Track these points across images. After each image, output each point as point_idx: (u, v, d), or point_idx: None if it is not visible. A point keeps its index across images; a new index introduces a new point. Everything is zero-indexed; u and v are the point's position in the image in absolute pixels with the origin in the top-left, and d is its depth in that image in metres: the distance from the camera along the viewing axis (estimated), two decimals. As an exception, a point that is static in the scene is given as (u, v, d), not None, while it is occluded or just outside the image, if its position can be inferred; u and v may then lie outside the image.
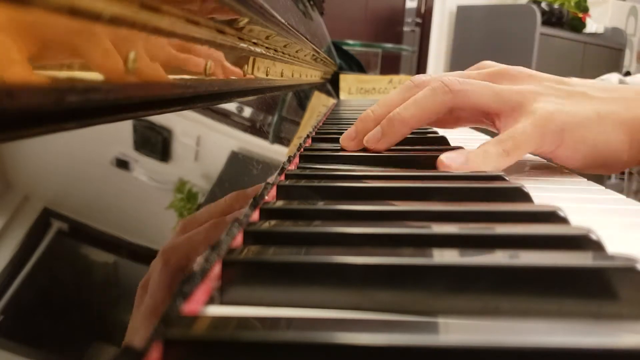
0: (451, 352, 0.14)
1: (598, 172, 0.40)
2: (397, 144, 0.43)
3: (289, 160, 0.39)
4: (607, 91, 0.40)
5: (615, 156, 0.38)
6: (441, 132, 0.60)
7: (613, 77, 0.83)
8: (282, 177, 0.34)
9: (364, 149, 0.43)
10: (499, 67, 0.43)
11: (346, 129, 0.44)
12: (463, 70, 0.46)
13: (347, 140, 0.44)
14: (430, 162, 0.38)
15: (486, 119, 0.43)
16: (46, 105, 0.14)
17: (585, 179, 0.39)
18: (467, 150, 0.38)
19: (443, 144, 0.50)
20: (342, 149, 0.44)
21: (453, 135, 0.57)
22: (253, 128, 0.38)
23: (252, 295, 0.18)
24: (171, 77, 0.22)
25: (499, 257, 0.19)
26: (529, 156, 0.48)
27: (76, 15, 0.14)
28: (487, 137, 0.59)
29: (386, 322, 0.16)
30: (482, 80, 0.41)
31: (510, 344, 0.14)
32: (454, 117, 0.45)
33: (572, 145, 0.37)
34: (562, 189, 0.36)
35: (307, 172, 0.36)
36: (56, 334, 0.13)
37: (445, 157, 0.36)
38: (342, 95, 1.38)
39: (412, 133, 0.58)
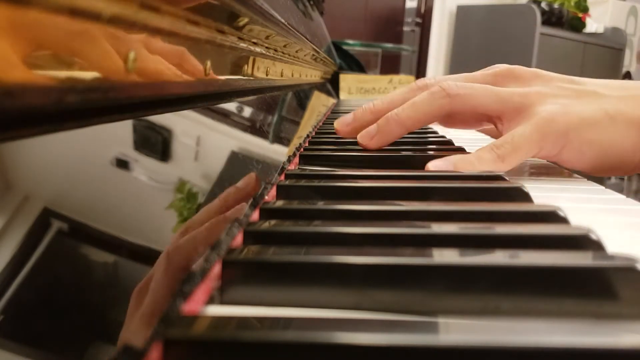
0: (451, 352, 0.14)
1: (609, 174, 0.39)
2: (397, 145, 0.43)
3: (289, 160, 0.39)
4: (620, 89, 0.38)
5: (625, 158, 0.36)
6: (444, 131, 0.60)
7: None
8: (282, 177, 0.34)
9: (363, 155, 0.43)
10: (504, 68, 0.42)
11: None
12: (465, 70, 0.45)
13: (342, 124, 0.44)
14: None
15: (489, 122, 0.42)
16: (46, 105, 0.14)
17: (585, 179, 0.39)
18: (458, 156, 0.37)
19: (444, 144, 0.50)
20: (341, 151, 0.44)
21: (457, 134, 0.57)
22: (253, 128, 0.38)
23: (252, 295, 0.18)
24: (171, 76, 0.22)
25: (499, 257, 0.19)
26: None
27: (76, 15, 0.14)
28: (493, 139, 0.59)
29: (386, 322, 0.16)
30: (486, 82, 0.40)
31: (510, 344, 0.14)
32: (457, 119, 0.45)
33: (577, 147, 0.36)
34: (562, 189, 0.36)
35: (307, 172, 0.36)
36: (56, 334, 0.13)
37: (432, 165, 0.36)
38: (342, 95, 1.37)
39: (414, 133, 0.58)
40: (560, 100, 0.37)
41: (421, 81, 0.43)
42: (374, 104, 0.43)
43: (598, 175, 0.39)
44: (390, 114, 0.41)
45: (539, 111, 0.36)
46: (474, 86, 0.39)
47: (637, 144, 0.36)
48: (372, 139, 0.41)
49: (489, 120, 0.41)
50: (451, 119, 0.45)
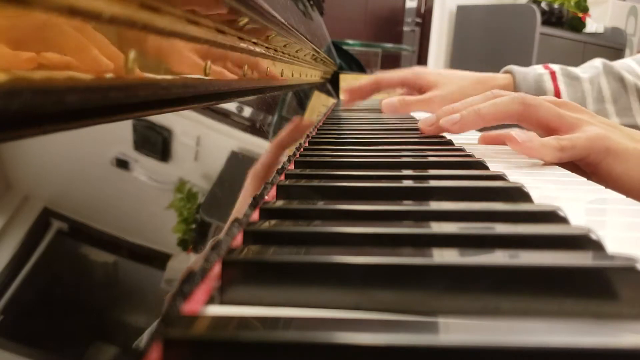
0: (451, 352, 0.14)
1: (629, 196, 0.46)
2: (397, 145, 0.43)
3: (289, 160, 0.39)
4: None
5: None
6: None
7: (596, 62, 0.85)
8: (282, 177, 0.34)
9: (364, 154, 0.43)
10: (561, 100, 0.51)
11: (346, 130, 0.44)
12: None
13: (426, 124, 0.54)
14: (432, 166, 0.38)
15: (545, 134, 0.49)
16: (46, 105, 0.14)
17: (585, 179, 0.39)
18: (533, 139, 0.44)
19: (445, 144, 0.50)
20: (341, 151, 0.44)
21: (458, 135, 0.57)
22: (253, 128, 0.38)
23: (252, 295, 0.18)
24: (171, 76, 0.22)
25: (499, 257, 0.19)
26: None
27: (76, 14, 0.14)
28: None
29: (386, 322, 0.16)
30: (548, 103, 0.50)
31: (510, 344, 0.14)
32: (523, 125, 0.52)
33: (612, 165, 0.44)
34: (562, 189, 0.36)
35: (307, 172, 0.36)
36: (56, 334, 0.13)
37: (517, 135, 0.44)
38: (342, 95, 1.37)
39: (413, 134, 0.58)
40: (604, 127, 0.46)
41: (498, 92, 0.52)
42: (453, 106, 0.52)
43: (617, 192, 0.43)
44: (473, 107, 0.49)
45: (590, 128, 0.46)
46: (544, 102, 0.48)
47: None
48: (454, 124, 0.50)
49: (546, 131, 0.48)
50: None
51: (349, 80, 1.38)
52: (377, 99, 1.00)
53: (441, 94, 0.81)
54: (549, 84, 0.82)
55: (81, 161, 0.17)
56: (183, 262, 0.19)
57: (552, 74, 0.82)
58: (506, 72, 0.85)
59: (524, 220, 0.25)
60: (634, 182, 0.44)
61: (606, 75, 0.82)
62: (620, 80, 0.81)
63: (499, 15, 2.77)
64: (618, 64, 0.84)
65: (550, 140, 0.44)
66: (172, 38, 0.22)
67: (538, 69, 0.84)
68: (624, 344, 0.14)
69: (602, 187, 0.36)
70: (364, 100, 0.95)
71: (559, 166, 0.44)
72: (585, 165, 0.46)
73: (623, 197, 0.33)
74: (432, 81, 0.84)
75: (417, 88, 0.86)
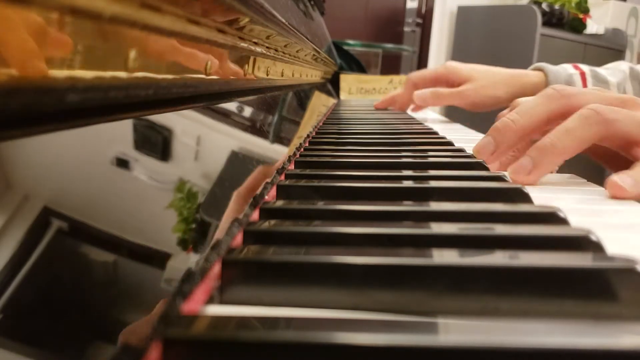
0: (451, 352, 0.14)
1: None
2: (397, 145, 0.43)
3: (289, 160, 0.39)
4: None
5: None
6: (444, 131, 0.60)
7: (622, 65, 0.84)
8: (282, 177, 0.34)
9: (365, 155, 0.43)
10: (625, 96, 0.40)
11: (346, 130, 0.44)
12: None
13: (485, 154, 0.40)
14: (432, 166, 0.38)
15: (624, 149, 0.39)
16: (46, 105, 0.14)
17: (585, 180, 0.39)
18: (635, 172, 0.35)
19: (445, 145, 0.50)
20: (341, 151, 0.44)
21: (456, 136, 0.57)
22: (253, 128, 0.38)
23: (251, 295, 0.18)
24: (171, 76, 0.22)
25: (499, 258, 0.19)
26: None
27: (76, 13, 0.14)
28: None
29: (386, 322, 0.16)
30: (618, 106, 0.38)
31: (509, 344, 0.14)
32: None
33: None
34: (562, 190, 0.36)
35: (307, 172, 0.36)
36: (56, 333, 0.13)
37: (620, 180, 0.33)
38: (343, 95, 1.37)
39: (414, 134, 0.58)
40: None
41: (563, 89, 0.40)
42: (513, 120, 0.40)
43: None
44: (544, 144, 0.37)
45: None
46: (621, 111, 0.37)
47: None
48: (529, 173, 0.37)
49: (627, 145, 0.38)
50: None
51: (349, 81, 1.38)
52: (376, 99, 1.00)
53: (474, 87, 0.81)
54: (579, 85, 0.81)
55: (81, 160, 0.17)
56: (183, 261, 0.19)
57: (582, 75, 0.82)
58: (537, 69, 0.85)
59: (524, 221, 0.25)
60: None
61: (632, 80, 0.81)
62: None
63: (500, 16, 2.77)
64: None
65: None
66: (173, 37, 0.22)
67: (568, 69, 0.83)
68: (623, 345, 0.14)
69: (602, 189, 0.36)
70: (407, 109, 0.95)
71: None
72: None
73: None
74: (465, 75, 0.84)
75: (449, 83, 0.86)
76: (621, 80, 0.82)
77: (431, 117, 0.97)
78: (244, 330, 0.15)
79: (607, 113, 0.36)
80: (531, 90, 0.79)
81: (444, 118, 1.03)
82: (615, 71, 0.84)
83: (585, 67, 0.83)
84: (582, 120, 0.36)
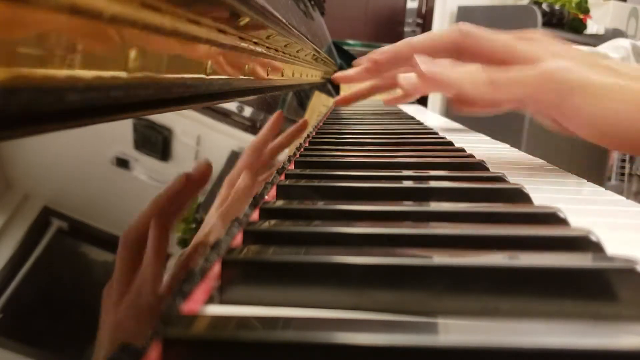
0: (451, 352, 0.14)
1: (613, 148, 0.38)
2: (397, 145, 0.43)
3: (289, 160, 0.39)
4: (636, 70, 0.36)
5: (624, 131, 0.34)
6: (444, 131, 0.60)
7: (623, 42, 0.83)
8: (282, 177, 0.34)
9: (365, 155, 0.43)
10: (530, 32, 0.41)
11: (346, 130, 0.44)
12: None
13: (379, 59, 0.50)
14: (432, 166, 0.38)
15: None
16: (46, 104, 0.14)
17: (585, 180, 0.39)
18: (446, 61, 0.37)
19: (445, 145, 0.50)
20: (341, 151, 0.44)
21: (458, 136, 0.57)
22: (253, 128, 0.38)
23: (251, 295, 0.18)
24: (171, 76, 0.22)
25: (499, 258, 0.19)
26: (529, 157, 0.48)
27: (76, 13, 0.14)
28: (494, 140, 0.59)
29: (386, 322, 0.16)
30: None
31: (509, 344, 0.14)
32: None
33: (580, 105, 0.34)
34: (562, 190, 0.36)
35: (307, 172, 0.36)
36: (56, 333, 0.13)
37: (419, 61, 0.38)
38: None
39: (414, 134, 0.58)
40: (574, 61, 0.36)
41: (466, 29, 0.42)
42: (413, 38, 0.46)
43: (592, 141, 0.36)
44: (406, 39, 0.45)
45: (550, 62, 0.35)
46: (488, 32, 0.39)
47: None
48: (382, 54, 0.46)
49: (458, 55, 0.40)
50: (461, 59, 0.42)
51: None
52: (377, 100, 1.00)
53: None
54: None
55: (81, 160, 0.17)
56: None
57: None
58: None
59: (524, 222, 0.25)
60: (610, 124, 0.34)
61: (636, 57, 0.81)
62: None
63: (500, 16, 2.76)
64: None
65: (476, 70, 0.35)
66: (173, 37, 0.22)
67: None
68: (623, 345, 0.14)
69: (602, 189, 0.36)
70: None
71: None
72: (545, 109, 0.37)
73: (623, 198, 0.33)
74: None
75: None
76: (624, 57, 0.81)
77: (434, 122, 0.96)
78: (244, 330, 0.15)
79: (468, 27, 0.40)
80: None
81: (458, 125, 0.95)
82: (616, 47, 0.83)
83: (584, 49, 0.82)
84: (444, 30, 0.42)
